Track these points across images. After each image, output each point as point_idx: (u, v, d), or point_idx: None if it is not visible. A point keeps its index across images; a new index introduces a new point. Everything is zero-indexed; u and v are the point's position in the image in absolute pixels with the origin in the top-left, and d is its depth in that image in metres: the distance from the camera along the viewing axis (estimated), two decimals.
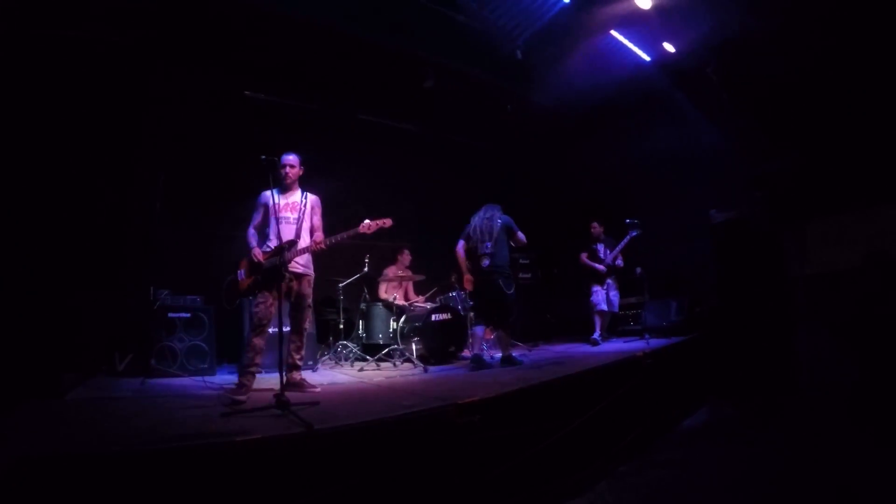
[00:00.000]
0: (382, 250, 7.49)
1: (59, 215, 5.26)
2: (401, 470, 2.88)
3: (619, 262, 7.55)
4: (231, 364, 6.15)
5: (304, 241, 4.51)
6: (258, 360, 4.23)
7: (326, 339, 6.96)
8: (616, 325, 8.17)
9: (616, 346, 7.00)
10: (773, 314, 6.35)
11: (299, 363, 4.58)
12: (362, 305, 7.12)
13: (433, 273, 7.52)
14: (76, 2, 5.23)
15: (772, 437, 4.69)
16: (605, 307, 7.35)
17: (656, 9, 6.34)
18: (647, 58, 7.44)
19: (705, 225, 7.32)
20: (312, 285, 4.69)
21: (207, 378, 5.17)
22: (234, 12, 5.88)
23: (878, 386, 5.35)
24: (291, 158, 4.65)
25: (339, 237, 4.48)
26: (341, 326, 6.73)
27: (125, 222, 6.12)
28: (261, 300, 4.28)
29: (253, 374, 4.17)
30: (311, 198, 4.71)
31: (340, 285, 6.66)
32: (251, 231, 4.58)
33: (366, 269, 6.73)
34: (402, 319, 6.55)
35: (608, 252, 7.52)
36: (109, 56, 5.72)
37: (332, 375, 5.59)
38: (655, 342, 6.47)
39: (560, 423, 3.86)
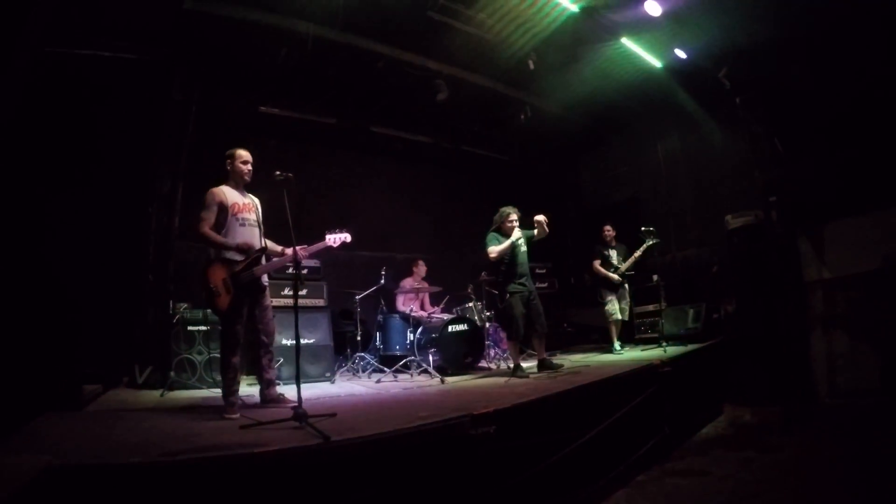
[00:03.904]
0: (399, 262, 7.54)
1: (82, 229, 5.35)
2: (417, 481, 2.90)
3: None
4: (249, 375, 6.18)
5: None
6: (239, 378, 4.07)
7: (344, 351, 6.97)
8: (633, 333, 8.10)
9: (633, 354, 6.94)
10: (790, 320, 6.27)
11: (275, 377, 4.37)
12: (379, 317, 7.14)
13: (449, 284, 7.52)
14: (96, 21, 5.37)
15: (790, 445, 4.64)
16: (619, 316, 7.30)
17: (666, 15, 6.33)
18: (658, 64, 7.44)
19: (721, 230, 7.26)
20: None
21: None
22: (246, 29, 6.01)
23: None
24: (248, 154, 4.33)
25: (311, 250, 4.19)
26: (359, 338, 6.71)
27: (145, 236, 6.22)
28: (239, 317, 4.00)
29: (237, 394, 4.03)
30: (256, 200, 4.42)
31: (358, 297, 6.66)
32: (212, 233, 4.04)
33: (382, 280, 6.75)
34: (419, 331, 6.56)
35: (621, 259, 7.45)
36: (129, 73, 5.85)
37: (349, 387, 5.62)
38: (673, 350, 6.41)
39: (577, 433, 3.86)
